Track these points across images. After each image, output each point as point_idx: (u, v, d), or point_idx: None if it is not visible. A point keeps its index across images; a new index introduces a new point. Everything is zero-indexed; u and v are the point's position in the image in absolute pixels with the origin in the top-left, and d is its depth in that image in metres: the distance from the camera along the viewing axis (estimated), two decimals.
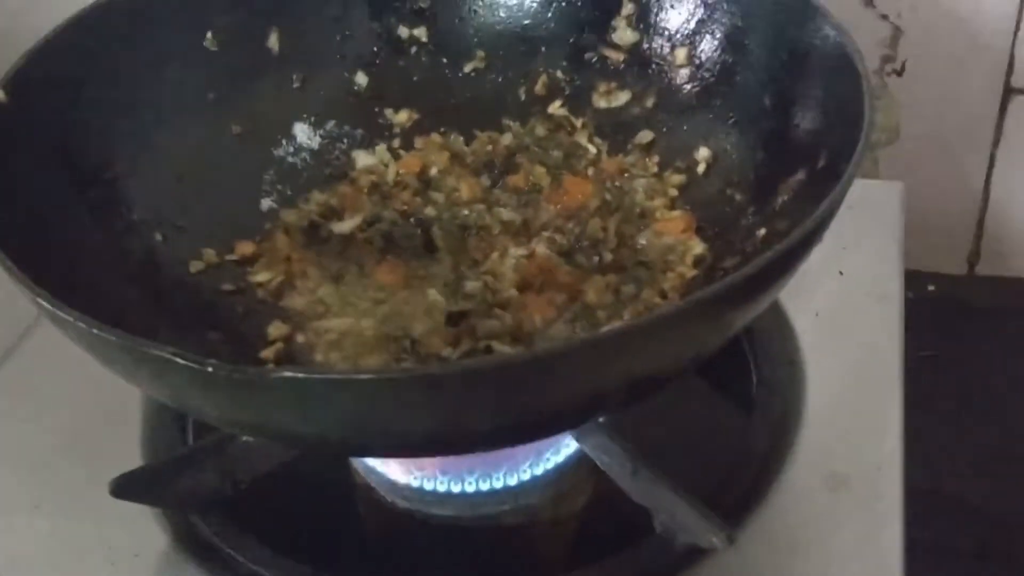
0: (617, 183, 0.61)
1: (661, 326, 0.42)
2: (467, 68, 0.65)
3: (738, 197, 0.58)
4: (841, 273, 0.65)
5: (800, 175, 0.53)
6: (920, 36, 0.77)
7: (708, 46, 0.60)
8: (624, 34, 0.62)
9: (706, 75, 0.61)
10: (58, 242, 0.51)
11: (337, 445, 0.48)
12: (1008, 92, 0.78)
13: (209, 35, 0.61)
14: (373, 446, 0.48)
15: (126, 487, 0.52)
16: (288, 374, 0.40)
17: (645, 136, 0.62)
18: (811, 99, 0.55)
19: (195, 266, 0.57)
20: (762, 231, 0.54)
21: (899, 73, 0.79)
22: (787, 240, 0.43)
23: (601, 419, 0.55)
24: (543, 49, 0.65)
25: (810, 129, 0.54)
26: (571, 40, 0.64)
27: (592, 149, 0.63)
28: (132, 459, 0.57)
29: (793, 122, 0.55)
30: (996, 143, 0.80)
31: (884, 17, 0.76)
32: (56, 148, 0.54)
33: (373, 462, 0.57)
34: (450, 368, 0.46)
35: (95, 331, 0.41)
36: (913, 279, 0.74)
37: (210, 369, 0.39)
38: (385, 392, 0.40)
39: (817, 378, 0.60)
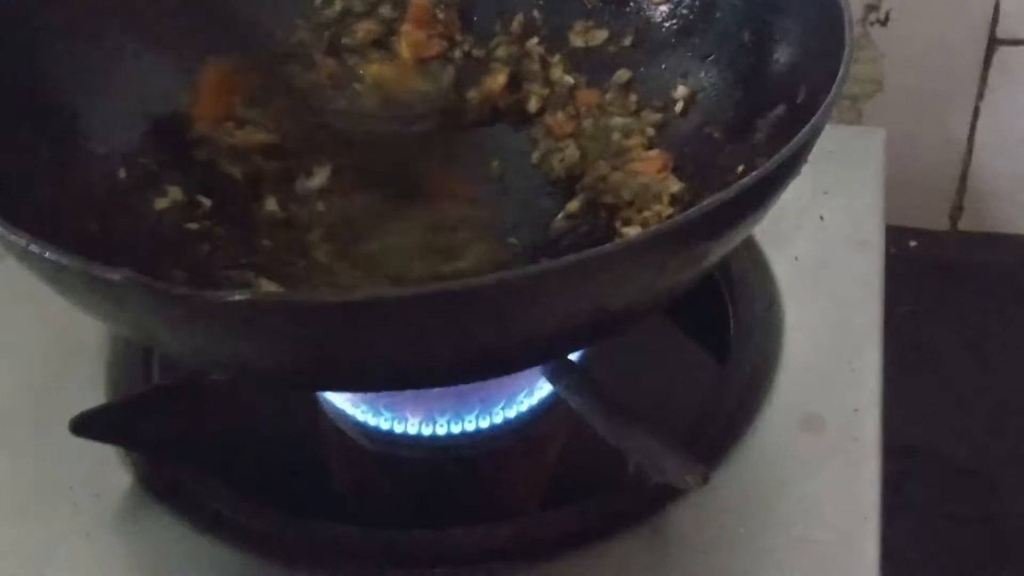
0: (592, 119, 0.60)
1: (633, 253, 0.41)
2: None
3: (716, 135, 0.56)
4: (822, 218, 0.64)
5: (779, 110, 0.52)
6: None
7: None
8: None
9: (684, 12, 0.59)
10: (14, 175, 0.49)
11: (298, 376, 0.46)
12: (993, 43, 0.77)
13: None
14: (335, 377, 0.47)
15: (87, 425, 0.51)
16: (245, 297, 0.39)
17: (623, 75, 0.61)
18: (791, 34, 0.54)
19: (160, 203, 0.56)
20: (740, 167, 0.53)
21: (883, 23, 0.78)
22: (764, 167, 0.42)
23: (575, 358, 0.54)
24: None
25: (789, 64, 0.53)
26: None
27: (570, 80, 0.61)
28: (96, 399, 0.56)
29: (772, 58, 0.54)
30: (980, 95, 0.79)
31: None
32: (14, 81, 0.52)
33: (342, 404, 0.56)
34: (409, 291, 0.45)
35: (47, 255, 0.40)
36: (895, 235, 0.73)
37: (168, 292, 0.37)
38: (344, 316, 0.38)
39: (796, 322, 0.59)
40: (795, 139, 0.43)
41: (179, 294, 0.37)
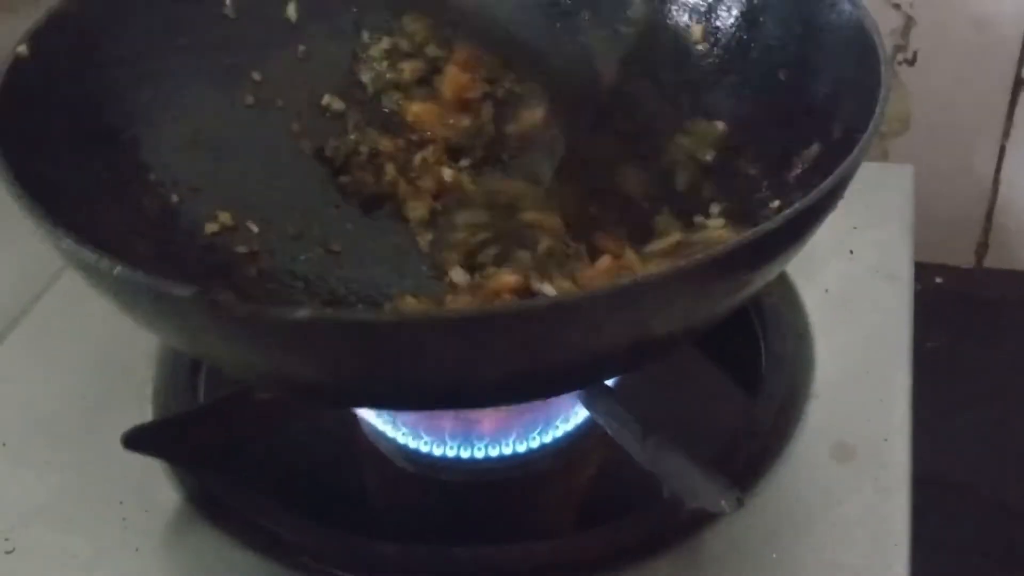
0: None
1: (677, 280, 0.42)
2: None
3: (752, 171, 0.58)
4: (851, 252, 0.65)
5: (814, 147, 0.54)
6: (932, 26, 0.77)
7: (723, 22, 0.61)
8: (638, 9, 0.63)
9: (720, 51, 0.61)
10: (73, 198, 0.51)
11: (348, 393, 0.48)
12: (1019, 83, 0.78)
13: (228, 1, 0.61)
14: (383, 395, 0.48)
15: (139, 440, 0.53)
16: (308, 315, 0.40)
17: None
18: (826, 73, 0.55)
19: (210, 228, 0.58)
20: (776, 203, 0.55)
21: (911, 63, 0.79)
22: (805, 199, 0.44)
23: (610, 384, 0.55)
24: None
25: (825, 102, 0.55)
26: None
27: None
28: (143, 416, 0.58)
29: (808, 95, 0.56)
30: (1006, 134, 0.80)
31: (896, 6, 0.77)
32: (75, 106, 0.54)
33: (383, 427, 0.57)
34: (459, 313, 0.47)
35: (117, 272, 0.41)
36: (921, 271, 0.74)
37: (234, 309, 0.39)
38: (403, 335, 0.40)
39: (826, 353, 0.60)
40: (835, 173, 0.45)
41: (245, 312, 0.39)
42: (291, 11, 0.63)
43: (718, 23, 0.61)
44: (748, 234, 0.42)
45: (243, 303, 0.39)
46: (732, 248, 0.42)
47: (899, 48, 0.78)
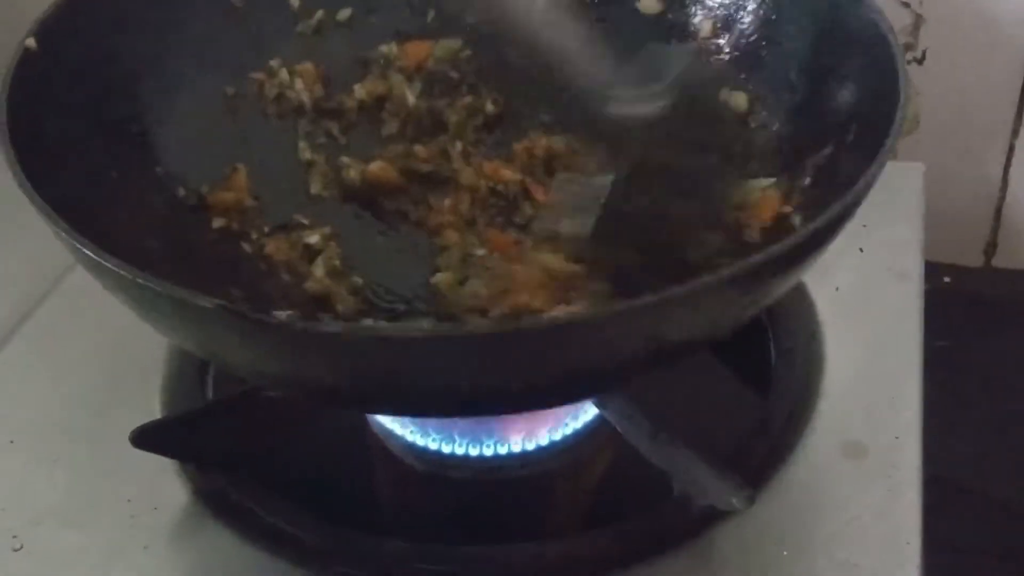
0: None
1: (699, 295, 0.41)
2: None
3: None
4: (861, 251, 0.65)
5: (828, 150, 0.54)
6: (941, 24, 0.77)
7: (735, 21, 0.61)
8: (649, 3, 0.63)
9: (732, 50, 0.61)
10: (83, 192, 0.51)
11: (362, 400, 0.48)
12: None
13: None
14: (399, 403, 0.48)
15: (147, 438, 0.53)
16: (337, 328, 0.40)
17: None
18: (841, 75, 0.55)
19: (218, 223, 0.58)
20: (787, 208, 0.55)
21: (919, 61, 0.79)
22: (828, 211, 0.44)
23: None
24: None
25: (839, 105, 0.54)
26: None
27: None
28: (151, 414, 0.58)
29: (821, 98, 0.55)
30: (1015, 133, 0.80)
31: (905, 5, 0.76)
32: (84, 100, 0.54)
33: (391, 425, 0.57)
34: (480, 328, 0.47)
35: (140, 281, 0.41)
36: (929, 271, 0.74)
37: (268, 321, 0.39)
38: (426, 348, 0.40)
39: (836, 351, 0.60)
40: (852, 190, 0.45)
41: (273, 323, 0.38)
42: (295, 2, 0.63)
43: (729, 21, 0.61)
44: (770, 250, 0.42)
45: (268, 315, 0.38)
46: (755, 264, 0.42)
47: (908, 47, 0.78)
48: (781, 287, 0.46)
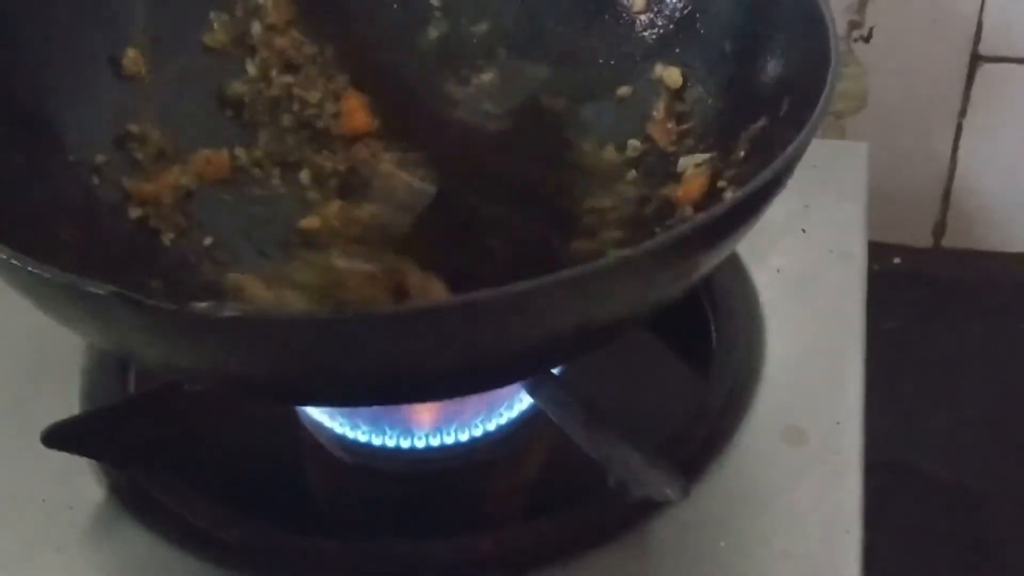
0: None
1: (623, 269, 0.40)
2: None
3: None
4: (804, 231, 0.64)
5: (761, 122, 0.52)
6: (888, 2, 0.76)
7: None
8: None
9: (664, 22, 0.59)
10: None
11: (281, 390, 0.46)
12: (976, 60, 0.77)
13: None
14: (318, 392, 0.46)
15: (59, 436, 0.50)
16: (235, 313, 0.38)
17: None
18: (774, 47, 0.53)
19: (134, 213, 0.55)
20: (722, 182, 0.53)
21: (866, 39, 0.78)
22: (753, 182, 0.42)
23: (554, 371, 0.54)
24: None
25: (772, 76, 0.53)
26: None
27: None
28: (70, 410, 0.55)
29: (754, 70, 0.54)
30: (963, 112, 0.79)
31: None
32: None
33: (320, 417, 0.55)
34: (402, 309, 0.45)
35: (30, 269, 0.39)
36: (879, 252, 0.73)
37: (159, 307, 0.37)
38: (334, 332, 0.38)
39: (777, 334, 0.58)
40: (781, 156, 0.43)
41: (166, 309, 0.36)
42: None
43: None
44: (696, 219, 0.41)
45: (163, 301, 0.36)
46: (680, 234, 0.40)
47: (855, 24, 0.77)
48: (708, 262, 0.44)
